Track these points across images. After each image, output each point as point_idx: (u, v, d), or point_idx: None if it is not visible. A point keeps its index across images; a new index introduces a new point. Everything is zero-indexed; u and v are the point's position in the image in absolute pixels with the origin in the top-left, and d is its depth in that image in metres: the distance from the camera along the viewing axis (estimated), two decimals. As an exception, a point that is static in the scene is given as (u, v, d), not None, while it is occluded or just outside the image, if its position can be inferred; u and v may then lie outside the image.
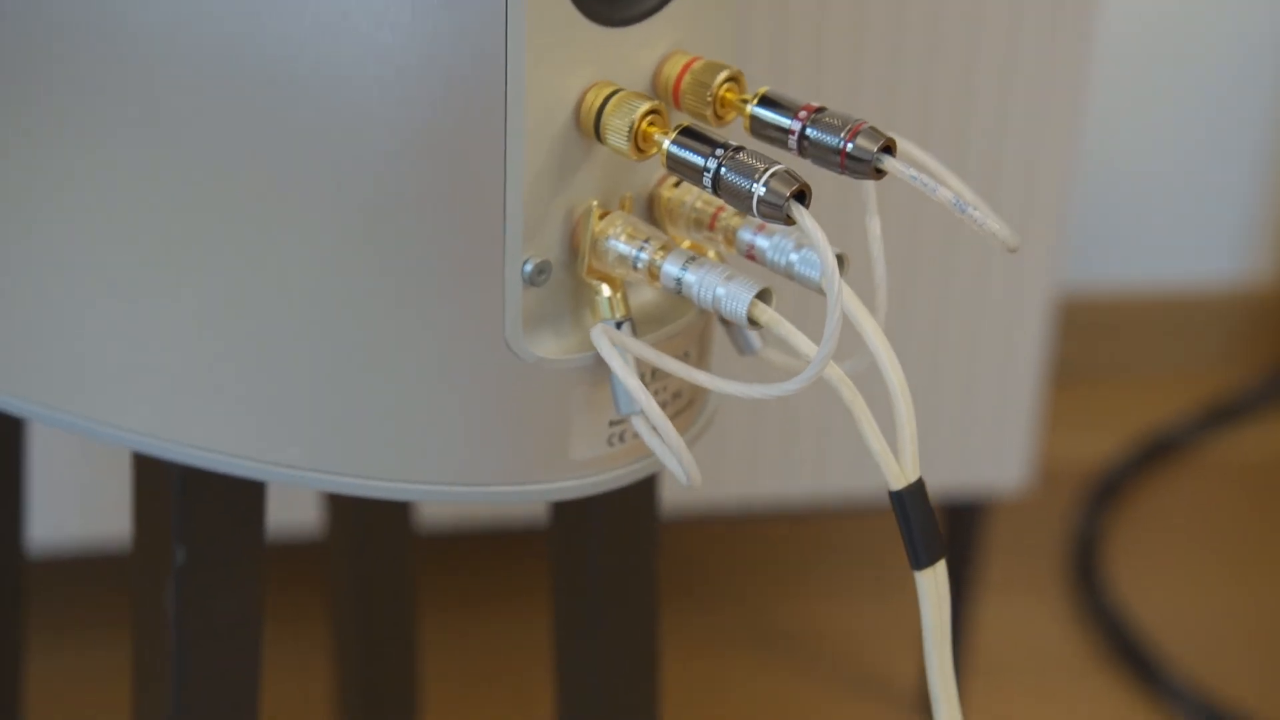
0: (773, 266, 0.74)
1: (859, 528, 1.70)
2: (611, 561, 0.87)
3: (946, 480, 1.42)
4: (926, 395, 1.39)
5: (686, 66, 0.73)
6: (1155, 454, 1.83)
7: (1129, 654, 1.57)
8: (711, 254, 0.76)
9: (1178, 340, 1.97)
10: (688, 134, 0.70)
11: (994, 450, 1.42)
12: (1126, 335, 1.96)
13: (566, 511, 0.85)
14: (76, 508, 1.31)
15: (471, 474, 0.75)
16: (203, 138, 0.71)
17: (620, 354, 0.72)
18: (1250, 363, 1.98)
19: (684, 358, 0.77)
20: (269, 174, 0.71)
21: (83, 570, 1.48)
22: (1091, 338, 1.93)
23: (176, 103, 0.71)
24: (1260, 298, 1.98)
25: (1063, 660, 1.59)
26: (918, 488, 0.71)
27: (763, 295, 0.70)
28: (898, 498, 0.71)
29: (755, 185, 0.68)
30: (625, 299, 0.74)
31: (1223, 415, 1.88)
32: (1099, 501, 1.75)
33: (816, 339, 0.68)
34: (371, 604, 1.18)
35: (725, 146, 0.69)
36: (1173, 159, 1.93)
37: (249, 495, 0.78)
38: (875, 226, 0.74)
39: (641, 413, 0.73)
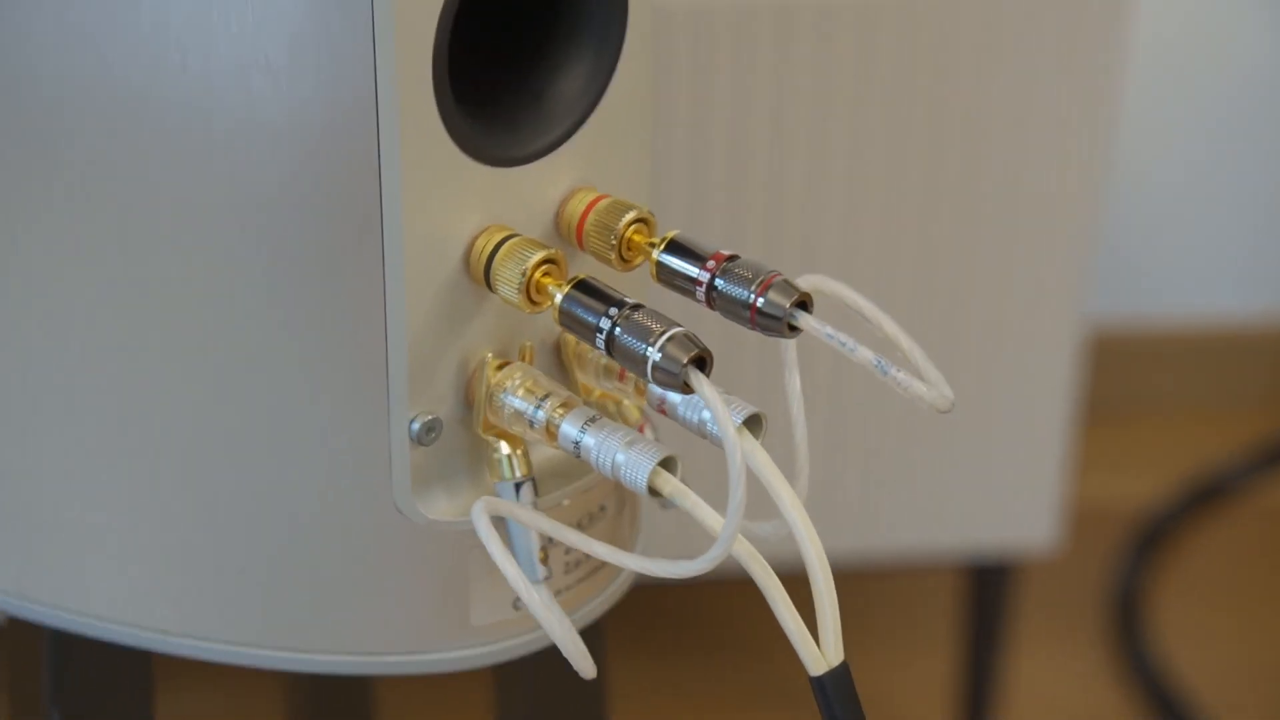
0: (684, 423, 0.68)
1: (888, 586, 1.63)
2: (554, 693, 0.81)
3: (968, 539, 1.35)
4: (943, 445, 1.32)
5: (591, 205, 0.67)
6: (1202, 498, 1.75)
7: (1173, 715, 1.50)
8: (626, 403, 0.70)
9: (1224, 375, 1.88)
10: (582, 289, 0.64)
11: (1021, 504, 1.35)
12: (1168, 369, 1.87)
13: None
14: None
15: (358, 643, 0.69)
16: (72, 289, 0.66)
17: (512, 528, 0.66)
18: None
19: (599, 513, 0.71)
20: (134, 310, 0.66)
21: None
22: (1131, 372, 1.85)
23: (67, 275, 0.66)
24: (1315, 331, 1.90)
25: (1101, 721, 1.52)
26: (841, 673, 0.65)
27: (666, 464, 0.64)
28: (819, 684, 0.65)
29: (650, 350, 0.62)
30: (526, 456, 0.68)
31: (1274, 456, 1.80)
32: (1141, 549, 1.68)
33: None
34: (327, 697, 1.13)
35: (621, 305, 0.63)
36: (1218, 182, 1.84)
37: (130, 658, 0.73)
38: (795, 383, 0.67)
39: (544, 582, 0.67)
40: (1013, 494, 1.35)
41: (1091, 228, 1.26)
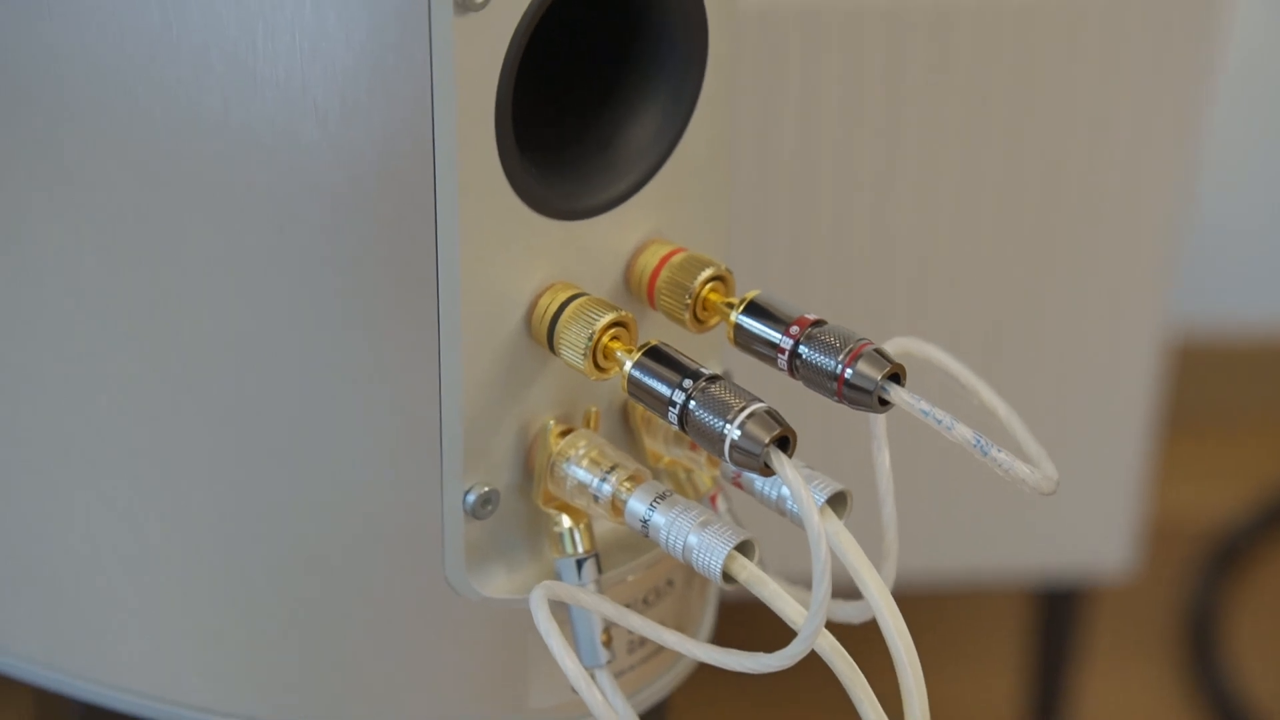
0: (761, 498, 0.63)
1: (958, 604, 1.58)
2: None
3: (1039, 562, 1.30)
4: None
5: (664, 260, 0.62)
6: (1281, 514, 1.69)
7: (1245, 743, 1.45)
8: (702, 475, 0.64)
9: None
10: (654, 356, 0.59)
11: (1095, 528, 1.29)
12: (1247, 379, 1.81)
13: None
14: None
15: (408, 726, 0.64)
16: (103, 347, 0.61)
17: (575, 613, 0.61)
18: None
19: (666, 587, 0.66)
20: (169, 368, 0.61)
21: None
22: (1208, 380, 1.79)
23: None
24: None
25: (1172, 747, 1.47)
26: (929, 775, 0.59)
27: (743, 548, 0.59)
28: (904, 786, 0.59)
29: (728, 427, 0.57)
30: (589, 530, 0.63)
31: (1361, 471, 1.74)
32: (1218, 566, 1.62)
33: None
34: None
35: (696, 376, 0.58)
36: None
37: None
38: (884, 460, 0.62)
39: (605, 666, 0.62)
40: (1087, 516, 1.29)
41: (1176, 236, 1.20)
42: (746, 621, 0.74)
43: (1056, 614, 1.38)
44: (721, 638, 0.72)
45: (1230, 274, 1.80)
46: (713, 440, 0.57)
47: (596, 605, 0.60)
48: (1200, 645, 1.55)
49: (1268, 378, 1.82)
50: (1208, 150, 1.63)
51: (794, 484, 0.56)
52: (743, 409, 0.57)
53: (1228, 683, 1.51)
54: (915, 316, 1.18)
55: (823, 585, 0.56)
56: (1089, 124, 1.15)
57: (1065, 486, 1.26)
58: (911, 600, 1.52)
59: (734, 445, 0.56)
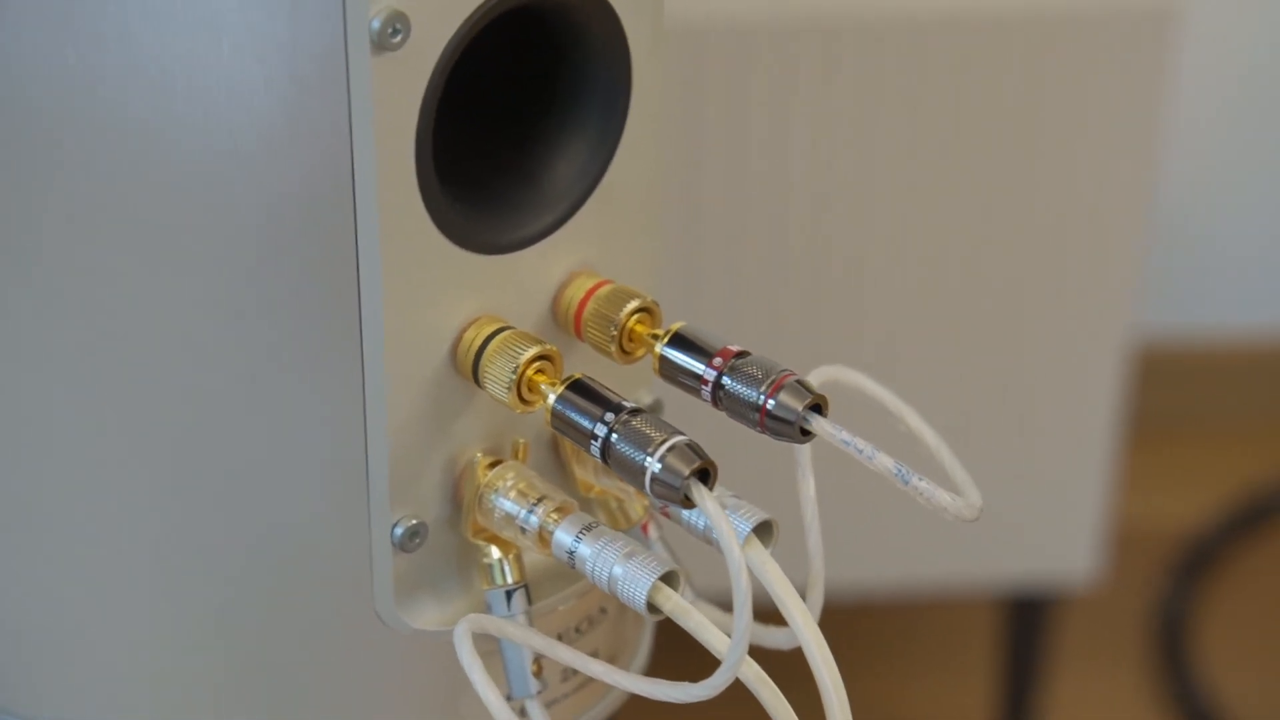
0: (689, 528, 0.63)
1: (927, 614, 1.58)
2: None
3: (1005, 571, 1.30)
4: (980, 468, 1.27)
5: (591, 292, 0.62)
6: (1250, 520, 1.69)
7: (1214, 749, 1.46)
8: (634, 505, 0.65)
9: (1274, 392, 1.82)
10: (577, 390, 0.59)
11: (1061, 536, 1.30)
12: (1215, 385, 1.81)
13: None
14: None
15: (341, 759, 0.64)
16: (38, 397, 0.61)
17: (505, 643, 0.61)
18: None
19: (599, 615, 0.66)
20: (101, 412, 0.61)
21: None
22: (1176, 387, 1.79)
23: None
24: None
25: (1142, 754, 1.47)
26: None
27: (668, 578, 0.59)
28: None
29: (649, 460, 0.57)
30: (519, 560, 0.63)
31: (1328, 475, 1.75)
32: (1186, 573, 1.62)
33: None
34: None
35: (619, 409, 0.58)
36: (1269, 196, 1.78)
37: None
38: (809, 488, 0.62)
39: (535, 696, 0.63)
40: (1054, 524, 1.30)
41: (1139, 243, 1.21)
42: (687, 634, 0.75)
43: (1026, 622, 1.39)
44: (665, 657, 0.72)
45: (1195, 280, 1.80)
46: (634, 473, 0.57)
47: (523, 637, 0.61)
48: (1170, 651, 1.55)
49: (1234, 384, 1.82)
50: (1171, 156, 1.64)
51: (714, 515, 0.56)
52: (663, 442, 0.57)
53: (1198, 688, 1.51)
54: (882, 324, 1.19)
55: (744, 616, 0.56)
56: (1050, 138, 1.16)
57: (1033, 494, 1.27)
58: (881, 610, 1.53)
59: (654, 478, 0.57)
